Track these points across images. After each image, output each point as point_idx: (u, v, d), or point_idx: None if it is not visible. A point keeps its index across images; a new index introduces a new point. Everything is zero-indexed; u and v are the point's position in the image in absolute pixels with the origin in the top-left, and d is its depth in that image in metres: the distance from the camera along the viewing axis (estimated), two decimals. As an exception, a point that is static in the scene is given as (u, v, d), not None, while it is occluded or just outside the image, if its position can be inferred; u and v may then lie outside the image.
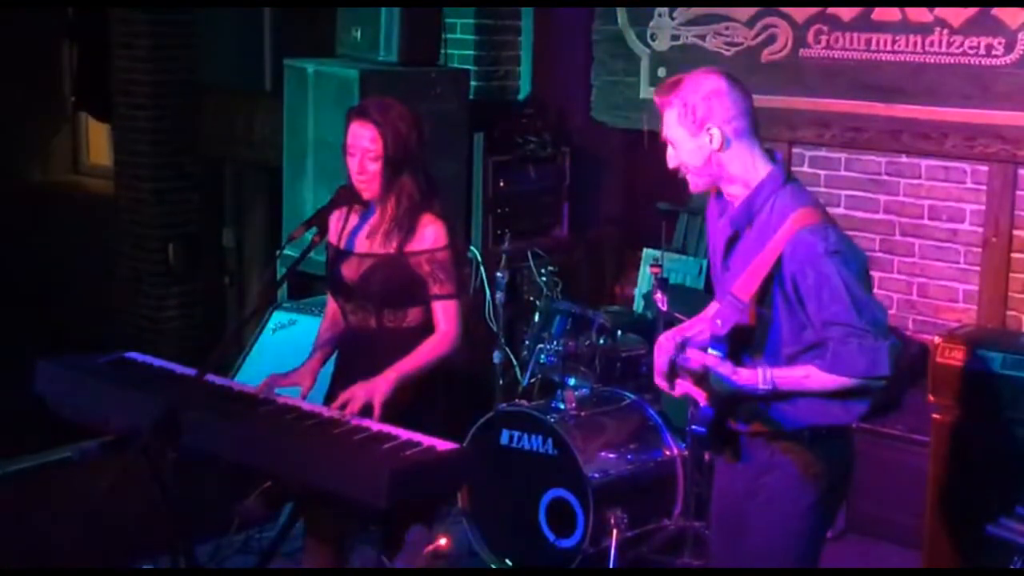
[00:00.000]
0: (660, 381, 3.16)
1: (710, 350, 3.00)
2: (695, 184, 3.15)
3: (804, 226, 2.97)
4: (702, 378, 3.04)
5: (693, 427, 3.16)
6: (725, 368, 2.98)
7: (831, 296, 2.94)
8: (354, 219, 3.69)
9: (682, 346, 3.13)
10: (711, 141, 3.05)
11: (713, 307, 3.29)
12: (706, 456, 4.59)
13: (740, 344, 3.03)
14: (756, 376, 2.99)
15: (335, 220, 3.70)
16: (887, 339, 2.95)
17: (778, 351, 3.05)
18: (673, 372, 3.11)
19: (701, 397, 3.07)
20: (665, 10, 5.84)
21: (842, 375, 2.96)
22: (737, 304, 3.02)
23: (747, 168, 3.08)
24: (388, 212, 3.61)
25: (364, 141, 3.55)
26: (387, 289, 3.61)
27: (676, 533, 4.79)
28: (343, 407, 3.43)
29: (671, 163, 3.15)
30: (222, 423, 3.34)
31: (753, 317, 3.02)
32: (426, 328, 3.63)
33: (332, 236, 3.70)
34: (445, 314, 3.62)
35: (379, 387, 3.47)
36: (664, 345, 3.16)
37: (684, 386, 3.10)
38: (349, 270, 3.65)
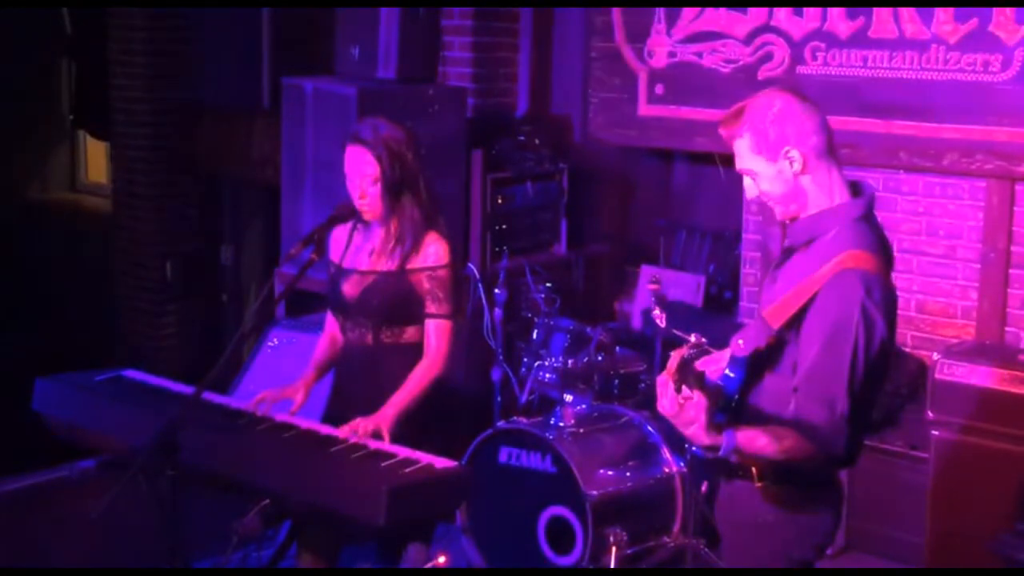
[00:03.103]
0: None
1: (727, 371, 2.83)
2: (783, 212, 2.94)
3: (853, 268, 2.77)
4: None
5: (695, 448, 2.95)
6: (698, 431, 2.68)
7: (833, 347, 2.71)
8: (358, 238, 3.69)
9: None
10: (792, 164, 2.84)
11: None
12: (703, 487, 4.56)
13: (759, 369, 2.85)
14: (721, 440, 2.69)
15: (338, 238, 3.70)
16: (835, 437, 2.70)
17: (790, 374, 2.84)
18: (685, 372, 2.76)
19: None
20: (663, 27, 5.85)
21: (804, 436, 2.69)
22: (766, 330, 2.82)
23: (829, 192, 2.88)
24: (392, 231, 3.61)
25: (361, 165, 3.55)
26: (386, 305, 3.60)
27: (675, 550, 4.77)
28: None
29: (750, 194, 2.94)
30: (220, 441, 3.34)
31: (771, 340, 2.82)
32: (423, 345, 3.63)
33: (335, 254, 3.70)
34: (437, 334, 3.61)
35: (384, 419, 3.46)
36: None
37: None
38: (350, 287, 3.65)
